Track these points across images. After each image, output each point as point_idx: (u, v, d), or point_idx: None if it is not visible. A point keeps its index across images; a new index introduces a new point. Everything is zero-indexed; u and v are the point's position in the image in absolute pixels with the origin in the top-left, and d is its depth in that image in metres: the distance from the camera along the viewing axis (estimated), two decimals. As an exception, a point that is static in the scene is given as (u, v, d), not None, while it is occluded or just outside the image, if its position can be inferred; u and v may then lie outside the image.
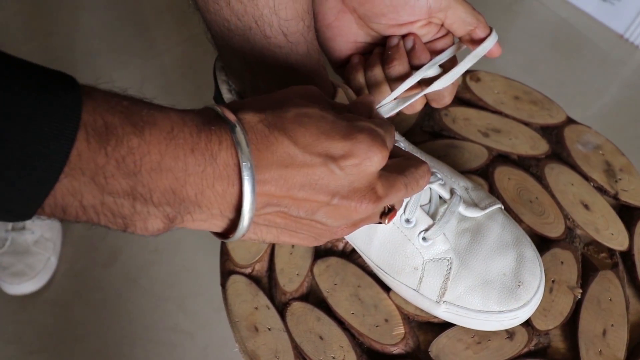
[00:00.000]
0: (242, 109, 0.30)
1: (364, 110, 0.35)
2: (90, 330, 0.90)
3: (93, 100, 0.25)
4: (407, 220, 0.43)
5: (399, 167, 0.34)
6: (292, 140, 0.29)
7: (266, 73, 0.40)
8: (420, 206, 0.43)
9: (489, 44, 0.42)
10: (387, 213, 0.35)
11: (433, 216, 0.43)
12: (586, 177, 0.54)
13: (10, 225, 0.92)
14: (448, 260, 0.42)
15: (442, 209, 0.43)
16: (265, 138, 0.29)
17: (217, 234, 0.33)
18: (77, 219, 0.26)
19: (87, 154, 0.24)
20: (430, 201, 0.44)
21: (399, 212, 0.43)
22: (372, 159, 0.31)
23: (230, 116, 0.29)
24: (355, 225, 0.34)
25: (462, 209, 0.44)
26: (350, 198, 0.31)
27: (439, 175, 0.44)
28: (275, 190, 0.30)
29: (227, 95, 0.45)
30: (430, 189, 0.44)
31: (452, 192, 0.44)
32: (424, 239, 0.42)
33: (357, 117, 0.32)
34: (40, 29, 1.23)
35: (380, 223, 0.36)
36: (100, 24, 1.25)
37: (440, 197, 0.44)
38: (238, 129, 0.28)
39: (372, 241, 0.44)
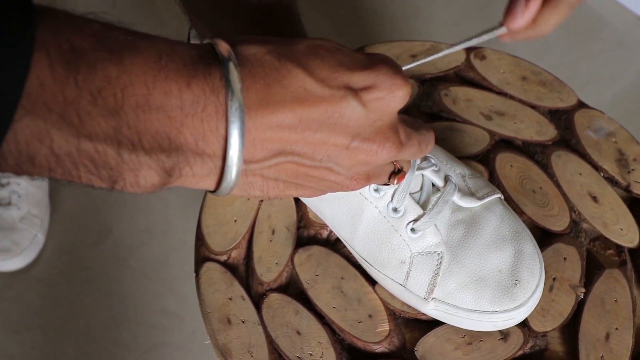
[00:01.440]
0: (244, 41, 0.26)
1: None
2: (78, 309, 0.88)
3: (54, 20, 0.21)
4: (395, 209, 0.39)
5: (410, 123, 0.31)
6: (307, 71, 0.25)
7: (240, 20, 0.36)
8: (410, 194, 0.39)
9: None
10: (397, 173, 0.33)
11: (424, 205, 0.39)
12: (596, 167, 0.50)
13: (-5, 200, 0.89)
14: (438, 254, 0.39)
15: (434, 198, 0.39)
16: (275, 71, 0.25)
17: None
18: (52, 172, 0.22)
19: (52, 83, 0.20)
20: (421, 189, 0.40)
21: (386, 200, 0.39)
22: (396, 94, 0.27)
23: (223, 46, 0.25)
24: (369, 178, 0.31)
25: (456, 199, 0.40)
26: (372, 140, 0.28)
27: (432, 161, 0.41)
28: (289, 134, 0.26)
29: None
30: (422, 175, 0.40)
31: (446, 179, 0.40)
32: (412, 230, 0.39)
33: (373, 53, 0.29)
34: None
35: (387, 184, 0.34)
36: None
37: (433, 185, 0.41)
38: (231, 64, 0.24)
39: (356, 230, 0.40)
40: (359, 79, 0.26)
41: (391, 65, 0.27)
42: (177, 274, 0.90)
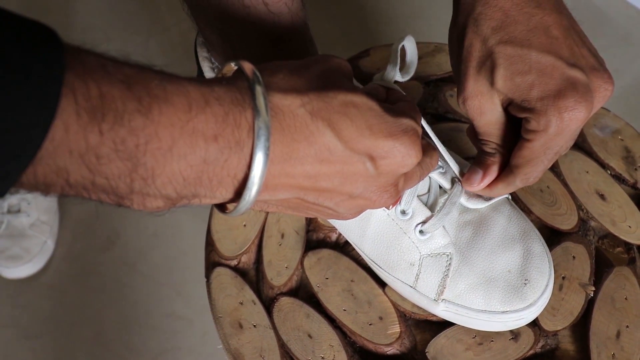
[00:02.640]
0: (283, 85, 0.26)
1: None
2: (88, 315, 0.89)
3: (83, 64, 0.20)
4: (403, 212, 0.39)
5: (422, 146, 0.32)
6: (335, 131, 0.26)
7: (247, 48, 0.37)
8: (418, 196, 0.40)
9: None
10: None
11: (432, 207, 0.40)
12: (603, 165, 0.50)
13: (5, 207, 0.90)
14: (447, 255, 0.39)
15: (442, 200, 0.40)
16: (305, 127, 0.26)
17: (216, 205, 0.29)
18: (64, 194, 0.23)
19: (76, 130, 0.20)
20: (429, 191, 0.40)
21: (394, 203, 0.39)
22: (407, 163, 0.29)
23: (259, 93, 0.25)
24: (363, 211, 0.32)
25: (464, 200, 0.40)
26: (373, 193, 0.30)
27: (439, 163, 0.41)
28: (302, 184, 0.27)
29: (209, 74, 0.42)
30: (430, 177, 0.40)
31: (453, 181, 0.40)
32: (421, 232, 0.39)
33: (400, 110, 0.30)
34: (39, 6, 1.20)
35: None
36: (101, 1, 1.22)
37: (440, 187, 0.41)
38: (261, 120, 0.24)
39: (365, 233, 0.41)
40: (379, 147, 0.28)
41: (412, 134, 0.29)
42: (187, 278, 0.91)
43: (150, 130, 0.22)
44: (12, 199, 0.90)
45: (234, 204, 0.27)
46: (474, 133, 0.37)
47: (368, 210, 0.40)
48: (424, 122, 0.37)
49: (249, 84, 0.25)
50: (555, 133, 0.32)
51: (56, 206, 0.94)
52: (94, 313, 0.88)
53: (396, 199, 0.32)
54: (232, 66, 0.27)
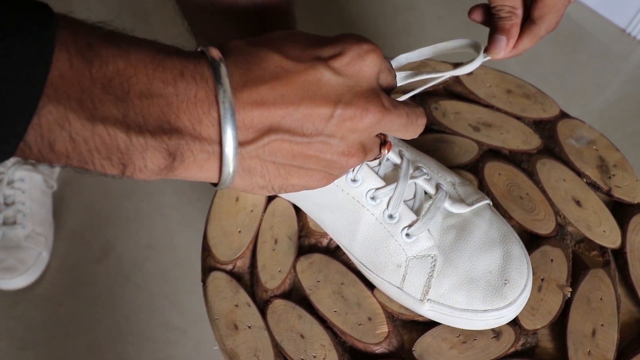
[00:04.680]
0: (228, 40, 0.30)
1: None
2: (82, 326, 0.89)
3: (71, 24, 0.24)
4: (390, 216, 0.41)
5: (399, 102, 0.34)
6: (281, 53, 0.29)
7: (234, 28, 0.39)
8: (404, 201, 0.42)
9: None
10: (384, 144, 0.35)
11: (417, 212, 0.42)
12: (579, 173, 0.52)
13: (1, 219, 0.91)
14: (432, 257, 0.41)
15: (426, 205, 0.42)
16: (254, 56, 0.29)
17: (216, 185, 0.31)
18: (69, 159, 0.25)
19: (70, 74, 0.23)
20: (414, 196, 0.43)
21: (382, 208, 0.42)
22: (365, 58, 0.30)
23: (214, 52, 0.28)
24: (364, 152, 0.32)
25: (447, 205, 0.42)
26: (354, 104, 0.29)
27: (424, 170, 0.43)
28: (274, 110, 0.28)
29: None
30: (415, 183, 0.43)
31: (437, 187, 0.43)
32: (407, 235, 0.41)
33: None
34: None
35: (377, 159, 0.37)
36: (97, 16, 1.24)
37: (425, 193, 0.43)
38: (215, 54, 0.28)
39: (355, 237, 0.43)
40: (326, 50, 0.30)
41: (356, 36, 0.31)
42: (180, 288, 0.92)
43: (129, 71, 0.25)
44: (8, 211, 0.92)
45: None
46: (482, 8, 0.39)
47: (358, 214, 0.42)
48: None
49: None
50: None
51: (51, 218, 0.95)
52: (89, 324, 0.89)
53: (387, 116, 0.31)
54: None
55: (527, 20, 0.39)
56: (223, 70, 0.27)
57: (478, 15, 0.40)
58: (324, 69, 0.29)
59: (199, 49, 0.29)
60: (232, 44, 0.29)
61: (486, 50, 0.40)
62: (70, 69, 0.23)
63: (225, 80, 0.27)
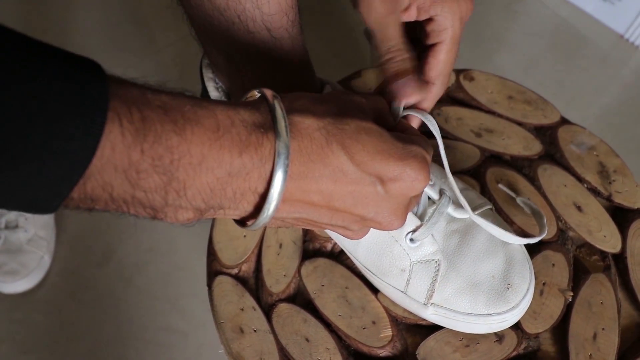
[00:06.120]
0: (302, 111, 0.29)
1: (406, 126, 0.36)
2: (84, 329, 0.89)
3: (126, 91, 0.24)
4: (395, 222, 0.42)
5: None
6: (348, 155, 0.29)
7: (251, 70, 0.40)
8: (408, 207, 0.42)
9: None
10: None
11: (421, 217, 0.42)
12: (580, 179, 0.53)
13: (3, 223, 0.91)
14: (436, 262, 0.42)
15: (430, 210, 0.42)
16: (321, 149, 0.28)
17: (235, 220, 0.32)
18: (106, 209, 0.25)
19: (121, 148, 0.23)
20: (418, 202, 0.43)
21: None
22: (416, 187, 0.31)
23: (280, 116, 0.27)
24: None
25: (451, 210, 0.43)
26: (383, 217, 0.32)
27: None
28: (316, 202, 0.29)
29: (213, 93, 0.44)
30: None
31: (441, 192, 0.43)
32: (411, 240, 0.42)
33: (410, 139, 0.32)
34: (36, 26, 1.23)
35: None
36: (97, 22, 1.25)
37: (429, 198, 0.44)
38: (282, 142, 0.27)
39: (359, 242, 0.43)
40: (389, 170, 0.30)
41: (421, 160, 0.31)
42: (182, 292, 0.92)
43: (183, 148, 0.25)
44: (10, 215, 0.92)
45: (253, 220, 0.29)
46: (378, 51, 0.37)
47: None
48: (440, 145, 0.39)
49: (270, 109, 0.28)
50: (459, 26, 0.37)
51: (53, 222, 0.95)
52: (90, 327, 0.89)
53: (404, 222, 0.33)
54: (255, 93, 0.30)
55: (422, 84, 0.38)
56: (286, 161, 0.27)
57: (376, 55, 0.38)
58: (380, 187, 0.30)
59: (259, 99, 0.28)
60: (302, 124, 0.28)
61: (396, 100, 0.37)
62: (122, 142, 0.23)
63: (285, 170, 0.27)
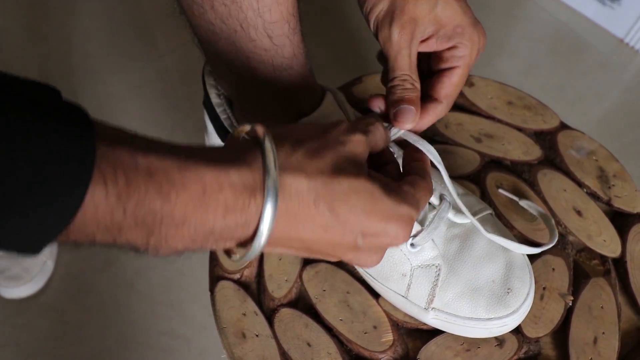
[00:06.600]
0: (295, 169, 0.29)
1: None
2: (87, 334, 0.90)
3: (114, 153, 0.24)
4: (395, 227, 0.42)
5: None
6: (334, 215, 0.30)
7: (252, 77, 0.40)
8: (409, 212, 0.43)
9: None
10: None
11: (421, 222, 0.43)
12: (579, 183, 0.53)
13: (7, 229, 0.92)
14: (436, 266, 0.42)
15: (431, 215, 0.43)
16: (307, 209, 0.29)
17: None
18: (91, 244, 0.26)
19: (104, 208, 0.23)
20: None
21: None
22: (394, 243, 0.33)
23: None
24: None
25: (451, 215, 0.43)
26: (359, 260, 0.33)
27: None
28: (297, 246, 0.31)
29: (215, 100, 0.45)
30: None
31: (441, 198, 0.44)
32: (412, 245, 0.42)
33: (404, 196, 0.32)
34: (37, 33, 1.24)
35: None
36: (99, 27, 1.25)
37: (429, 203, 0.44)
38: (269, 206, 0.27)
39: (360, 247, 0.44)
40: (372, 227, 0.31)
41: (405, 222, 0.32)
42: (184, 297, 0.92)
43: (166, 210, 0.25)
44: (13, 220, 0.92)
45: (235, 255, 0.30)
46: (381, 97, 0.39)
47: None
48: (447, 180, 0.39)
49: (263, 173, 0.28)
50: (475, 56, 0.38)
51: (56, 227, 0.96)
52: (93, 332, 0.89)
53: (380, 260, 0.35)
54: (246, 128, 0.30)
55: (430, 99, 0.40)
56: (270, 225, 0.28)
57: (379, 104, 0.39)
58: (360, 239, 0.31)
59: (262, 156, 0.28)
60: (293, 187, 0.28)
61: (394, 122, 0.38)
62: (105, 203, 0.23)
63: (268, 233, 0.28)
